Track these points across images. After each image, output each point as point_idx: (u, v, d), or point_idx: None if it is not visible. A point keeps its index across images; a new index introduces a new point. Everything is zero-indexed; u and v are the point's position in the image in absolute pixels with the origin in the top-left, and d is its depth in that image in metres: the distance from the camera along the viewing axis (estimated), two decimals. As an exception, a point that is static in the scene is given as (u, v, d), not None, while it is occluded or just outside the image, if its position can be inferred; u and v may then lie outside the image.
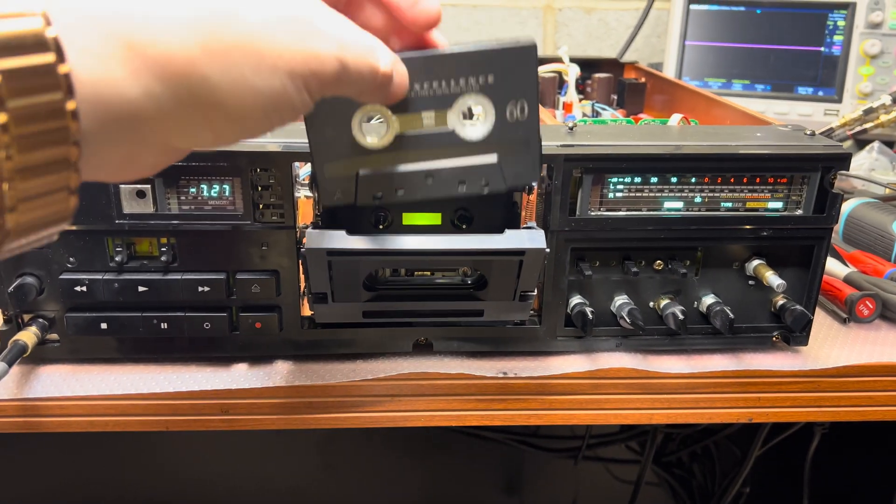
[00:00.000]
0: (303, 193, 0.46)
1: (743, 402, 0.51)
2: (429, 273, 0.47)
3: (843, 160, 0.46)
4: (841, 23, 0.96)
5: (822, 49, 0.97)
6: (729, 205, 0.47)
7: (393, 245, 0.41)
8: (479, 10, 1.15)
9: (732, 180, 0.47)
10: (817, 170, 0.46)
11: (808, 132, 0.49)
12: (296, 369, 0.48)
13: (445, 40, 0.37)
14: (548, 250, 0.43)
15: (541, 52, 1.20)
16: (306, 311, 0.49)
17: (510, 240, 0.42)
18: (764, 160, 0.46)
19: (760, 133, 0.49)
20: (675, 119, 0.60)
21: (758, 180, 0.47)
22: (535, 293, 0.46)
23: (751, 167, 0.46)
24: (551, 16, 1.17)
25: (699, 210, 0.47)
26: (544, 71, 0.81)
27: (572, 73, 0.79)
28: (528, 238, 0.42)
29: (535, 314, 0.50)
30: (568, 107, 0.77)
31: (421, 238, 0.42)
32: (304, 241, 0.41)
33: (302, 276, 0.48)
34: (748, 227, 0.47)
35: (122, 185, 0.43)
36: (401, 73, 0.34)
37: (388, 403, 0.49)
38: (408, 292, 0.46)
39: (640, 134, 0.48)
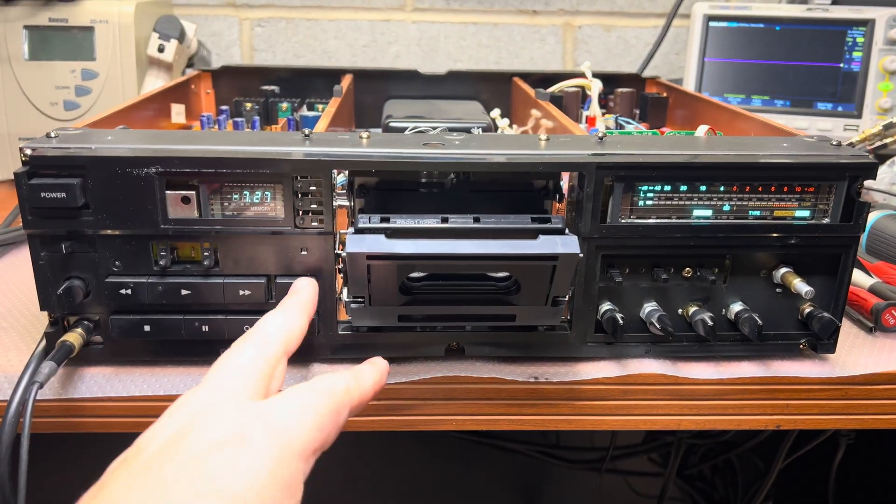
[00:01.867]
0: (338, 202, 0.48)
1: (771, 408, 0.51)
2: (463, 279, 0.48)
3: (870, 169, 0.47)
4: (860, 39, 0.97)
5: (842, 65, 0.98)
6: (757, 213, 0.48)
7: (431, 249, 0.43)
8: (499, 27, 1.17)
9: (760, 189, 0.48)
10: (844, 179, 0.47)
11: (835, 142, 0.50)
12: (331, 372, 0.49)
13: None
14: (581, 255, 0.44)
15: (560, 69, 1.22)
16: (342, 315, 0.51)
17: (544, 245, 0.43)
18: (791, 169, 0.47)
19: (787, 143, 0.50)
20: (701, 130, 0.61)
21: (785, 189, 0.48)
22: (567, 298, 0.47)
23: (778, 176, 0.47)
24: (570, 33, 1.18)
25: (727, 218, 0.48)
26: (568, 85, 0.83)
27: (595, 88, 0.80)
28: (562, 243, 0.43)
29: (565, 320, 0.51)
30: (591, 121, 0.79)
31: (458, 242, 0.43)
32: (343, 245, 0.42)
33: (339, 280, 0.49)
34: (776, 235, 0.48)
35: (168, 192, 0.45)
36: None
37: (419, 407, 0.50)
38: (442, 297, 0.47)
39: (668, 144, 0.49)
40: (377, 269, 0.43)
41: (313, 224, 0.46)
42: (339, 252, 0.47)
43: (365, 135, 0.49)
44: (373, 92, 0.91)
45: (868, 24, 0.96)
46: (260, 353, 0.37)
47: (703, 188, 0.47)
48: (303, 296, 0.44)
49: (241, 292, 0.47)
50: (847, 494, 0.82)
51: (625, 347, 0.51)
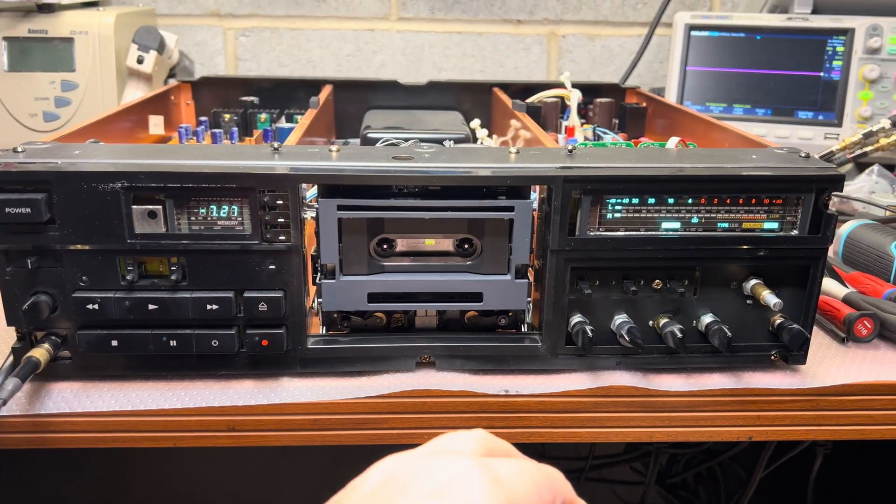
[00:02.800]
0: (309, 214, 0.48)
1: (743, 420, 0.51)
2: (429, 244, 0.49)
3: (837, 181, 0.47)
4: (840, 48, 0.97)
5: (822, 74, 0.98)
6: (725, 225, 0.48)
7: (397, 203, 0.46)
8: (483, 37, 1.18)
9: (729, 201, 0.48)
10: (811, 191, 0.47)
11: (803, 154, 0.50)
12: (301, 386, 0.49)
13: None
14: (535, 206, 0.47)
15: (544, 78, 1.23)
16: (313, 328, 0.51)
17: (501, 201, 0.47)
18: (759, 181, 0.47)
19: (756, 155, 0.50)
20: (672, 142, 0.61)
21: (753, 201, 0.48)
22: (530, 278, 0.49)
23: (746, 188, 0.47)
24: (555, 42, 1.19)
25: (696, 230, 0.48)
26: (547, 96, 0.83)
27: (574, 98, 0.80)
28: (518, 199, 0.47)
29: (536, 332, 0.51)
30: (570, 131, 0.79)
31: (423, 201, 0.46)
32: (315, 203, 0.46)
33: (311, 291, 0.49)
34: (745, 247, 0.48)
35: (134, 206, 0.45)
36: None
37: (391, 421, 0.49)
38: (410, 270, 0.49)
39: (637, 156, 0.50)
40: (348, 224, 0.46)
41: (280, 238, 0.46)
42: (306, 215, 0.47)
43: (335, 148, 0.49)
44: (354, 102, 0.91)
45: (848, 33, 0.97)
46: (481, 437, 0.34)
47: (671, 201, 0.47)
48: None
49: (209, 307, 0.46)
50: (825, 501, 0.82)
51: (596, 359, 0.51)
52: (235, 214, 0.46)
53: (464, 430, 0.34)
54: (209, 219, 0.46)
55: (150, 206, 0.45)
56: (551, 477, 0.33)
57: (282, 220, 0.45)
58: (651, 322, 0.51)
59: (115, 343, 0.47)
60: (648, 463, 0.90)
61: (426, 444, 0.33)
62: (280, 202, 0.45)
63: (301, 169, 0.45)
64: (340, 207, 0.46)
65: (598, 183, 0.46)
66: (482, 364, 0.51)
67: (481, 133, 0.80)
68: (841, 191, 0.48)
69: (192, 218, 0.46)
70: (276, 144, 0.48)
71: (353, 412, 0.49)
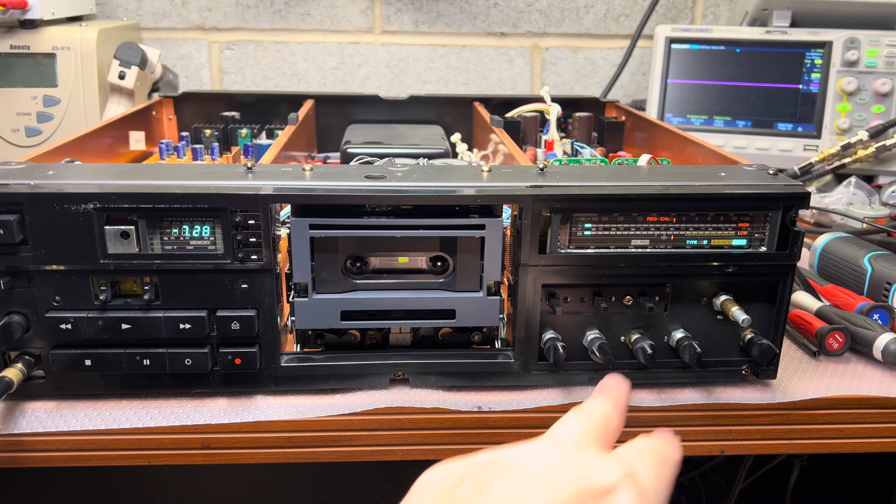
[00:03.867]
0: (283, 232, 0.48)
1: (714, 434, 0.52)
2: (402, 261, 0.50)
3: (803, 199, 0.48)
4: (818, 61, 0.98)
5: (801, 87, 1.00)
6: (694, 242, 0.49)
7: (370, 221, 0.46)
8: (467, 49, 1.18)
9: (697, 219, 0.48)
10: (778, 208, 0.48)
11: (772, 171, 0.51)
12: (275, 404, 0.49)
13: None
14: (507, 225, 0.48)
15: (528, 90, 1.24)
16: (286, 346, 0.51)
17: (473, 219, 0.47)
18: (726, 199, 0.47)
19: (724, 173, 0.51)
20: (643, 159, 0.62)
21: (722, 219, 0.48)
22: (502, 296, 0.50)
23: (714, 206, 0.48)
24: (538, 55, 1.20)
25: (666, 247, 0.49)
26: (527, 110, 0.84)
27: (553, 112, 0.81)
28: (490, 217, 0.47)
29: (509, 348, 0.51)
30: (550, 145, 0.80)
31: (396, 220, 0.47)
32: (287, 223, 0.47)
33: (286, 309, 0.50)
34: (714, 263, 0.49)
35: (106, 227, 0.45)
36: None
37: (365, 438, 0.50)
38: (383, 286, 0.49)
39: (608, 174, 0.50)
40: (320, 243, 0.46)
41: (253, 258, 0.46)
42: (279, 233, 0.48)
43: (308, 167, 0.49)
44: (337, 116, 0.92)
45: (825, 46, 0.98)
46: (606, 409, 0.36)
47: (640, 218, 0.48)
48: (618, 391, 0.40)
49: (182, 326, 0.47)
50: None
51: (568, 375, 0.51)
52: (208, 234, 0.46)
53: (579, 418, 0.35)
54: (182, 239, 0.46)
55: (123, 227, 0.45)
56: (674, 467, 0.34)
57: (254, 239, 0.46)
58: (623, 338, 0.51)
59: (88, 362, 0.47)
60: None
61: (554, 446, 0.33)
62: (252, 222, 0.45)
63: (273, 189, 0.45)
64: (313, 227, 0.46)
65: (568, 202, 0.47)
66: (456, 380, 0.51)
67: (461, 147, 0.81)
68: (808, 207, 0.48)
69: (165, 238, 0.46)
70: (249, 164, 0.49)
71: (327, 429, 0.49)
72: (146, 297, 0.46)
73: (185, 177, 0.46)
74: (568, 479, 0.30)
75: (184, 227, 0.46)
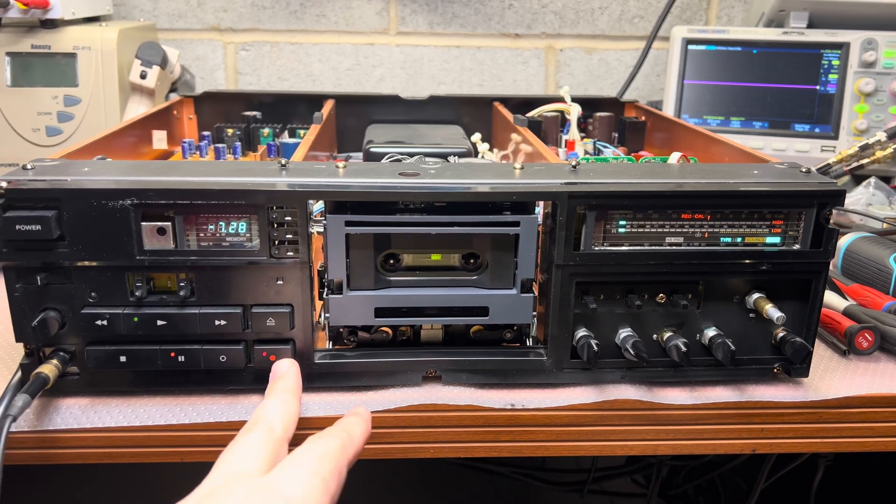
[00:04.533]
0: (316, 230, 0.48)
1: (746, 433, 0.51)
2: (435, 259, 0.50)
3: (838, 196, 0.48)
4: (835, 62, 0.99)
5: (818, 87, 1.00)
6: (728, 240, 0.49)
7: (404, 218, 0.47)
8: (482, 51, 1.19)
9: (731, 216, 0.48)
10: (813, 206, 0.48)
11: (804, 169, 0.51)
12: (308, 400, 0.49)
13: None
14: (540, 220, 0.48)
15: (542, 92, 1.24)
16: (320, 343, 0.51)
17: (507, 216, 0.47)
18: (761, 197, 0.47)
19: (757, 171, 0.51)
20: (674, 157, 0.62)
21: (756, 216, 0.48)
22: (535, 292, 0.50)
23: (748, 203, 0.48)
24: (553, 56, 1.20)
25: (699, 245, 0.49)
26: (547, 110, 0.84)
27: (574, 112, 0.81)
28: (524, 214, 0.48)
29: (541, 346, 0.51)
30: (570, 145, 0.80)
31: (430, 217, 0.47)
32: (320, 217, 0.47)
33: (317, 308, 0.50)
34: (747, 261, 0.49)
35: (143, 223, 0.45)
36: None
37: (398, 435, 0.50)
38: (416, 283, 0.49)
39: (641, 172, 0.50)
40: (355, 240, 0.47)
41: (289, 254, 0.46)
42: (313, 230, 0.48)
43: (342, 164, 0.49)
44: (355, 116, 0.92)
45: (843, 47, 0.98)
46: (265, 438, 0.39)
47: (674, 216, 0.48)
48: (290, 381, 0.45)
49: (217, 322, 0.47)
50: (828, 515, 0.83)
51: (601, 373, 0.51)
52: (244, 230, 0.46)
53: (249, 436, 0.39)
54: (218, 235, 0.46)
55: (160, 223, 0.45)
56: (334, 463, 0.38)
57: (290, 235, 0.46)
58: (655, 336, 0.51)
59: (123, 359, 0.47)
60: (650, 475, 0.90)
61: (215, 468, 0.37)
62: (288, 218, 0.46)
63: (309, 185, 0.45)
64: (348, 223, 0.46)
65: (603, 199, 0.47)
66: (488, 378, 0.51)
67: (482, 147, 0.81)
68: (842, 206, 0.48)
69: (201, 234, 0.46)
70: (282, 161, 0.49)
71: (360, 427, 0.49)
72: (181, 293, 0.46)
73: (219, 173, 0.46)
74: None
75: (220, 223, 0.46)
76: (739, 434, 0.52)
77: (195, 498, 0.35)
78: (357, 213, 0.47)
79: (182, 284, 0.46)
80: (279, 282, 0.47)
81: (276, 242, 0.46)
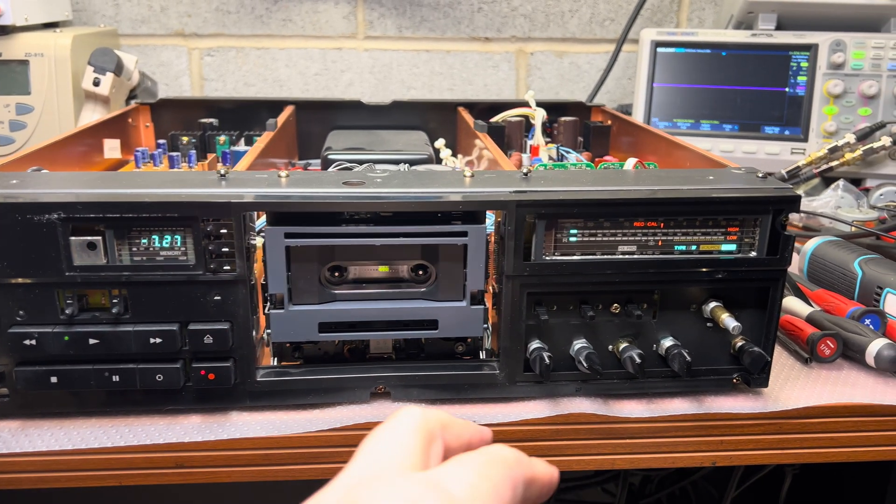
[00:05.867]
0: (259, 242, 0.46)
1: (705, 445, 0.50)
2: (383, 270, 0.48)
3: (793, 202, 0.46)
4: (804, 64, 0.98)
5: (787, 90, 0.99)
6: (683, 248, 0.47)
7: (348, 229, 0.45)
8: (452, 55, 1.17)
9: (685, 224, 0.47)
10: (768, 212, 0.47)
11: (761, 175, 0.50)
12: (251, 420, 0.47)
13: None
14: (490, 231, 0.47)
15: (513, 95, 1.22)
16: (263, 360, 0.49)
17: (455, 226, 0.46)
18: (714, 203, 0.46)
19: (713, 176, 0.49)
20: (630, 163, 0.60)
21: (710, 223, 0.47)
22: (486, 304, 0.48)
23: (702, 210, 0.46)
24: (523, 60, 1.19)
25: (653, 253, 0.47)
26: (511, 115, 0.82)
27: (538, 116, 0.80)
28: (472, 224, 0.46)
29: (494, 359, 0.50)
30: (535, 150, 0.78)
31: (375, 227, 0.45)
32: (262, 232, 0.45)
33: (262, 323, 0.48)
34: (703, 269, 0.48)
35: (71, 238, 0.43)
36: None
37: (345, 454, 0.48)
38: (362, 296, 0.48)
39: (593, 179, 0.49)
40: (296, 252, 0.45)
41: (226, 268, 0.44)
42: (254, 242, 0.47)
43: (284, 174, 0.47)
44: (319, 122, 0.90)
45: (811, 48, 0.97)
46: (418, 429, 0.32)
47: (627, 224, 0.47)
48: None
49: (153, 340, 0.45)
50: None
51: (555, 386, 0.50)
52: (178, 244, 0.44)
53: (396, 424, 0.32)
54: (151, 249, 0.44)
55: (89, 237, 0.43)
56: (509, 472, 0.30)
57: (227, 249, 0.44)
58: (611, 347, 0.50)
59: (54, 380, 0.45)
60: (622, 484, 0.89)
61: (359, 458, 0.30)
62: (224, 231, 0.44)
63: (246, 196, 0.44)
64: (288, 235, 0.44)
65: (552, 207, 0.45)
66: (439, 393, 0.49)
67: (445, 153, 0.79)
68: (798, 211, 0.47)
69: (134, 248, 0.44)
70: (222, 170, 0.47)
71: (305, 446, 0.47)
72: (115, 310, 0.44)
73: (154, 185, 0.45)
74: None
75: (153, 237, 0.44)
76: (698, 446, 0.50)
77: (341, 487, 0.29)
78: (299, 225, 0.45)
79: (115, 301, 0.45)
80: (217, 297, 0.45)
81: (213, 256, 0.44)
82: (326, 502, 0.28)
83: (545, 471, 0.33)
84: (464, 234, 0.46)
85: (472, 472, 0.29)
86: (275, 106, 0.87)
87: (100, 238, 0.43)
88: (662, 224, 0.47)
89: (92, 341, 0.45)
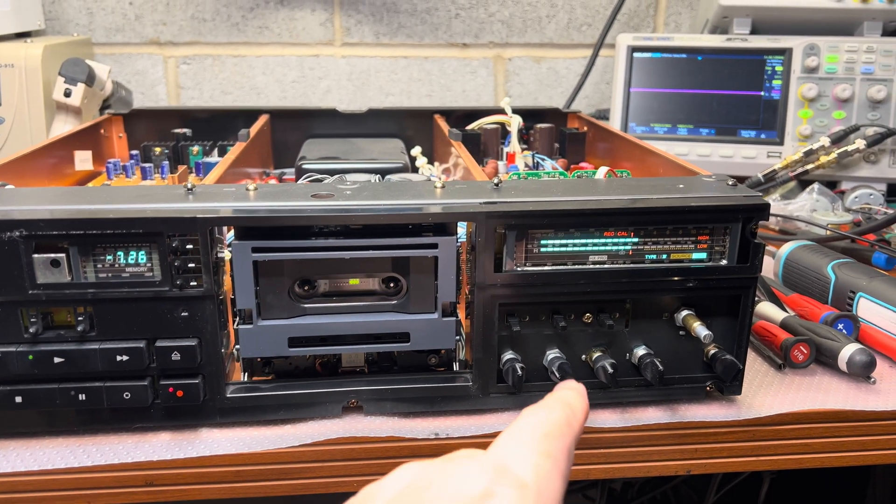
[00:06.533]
0: (228, 256, 0.46)
1: (680, 454, 0.50)
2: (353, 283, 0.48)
3: (762, 210, 0.47)
4: (779, 68, 0.99)
5: (762, 93, 0.99)
6: (653, 257, 0.47)
7: (316, 243, 0.44)
8: (430, 61, 1.17)
9: (656, 233, 0.47)
10: (738, 220, 0.47)
11: (731, 182, 0.50)
12: (221, 437, 0.47)
13: None
14: (460, 242, 0.46)
15: (492, 101, 1.22)
16: (233, 375, 0.49)
17: (425, 238, 0.45)
18: (683, 212, 0.46)
19: (683, 185, 0.49)
20: (601, 172, 0.60)
21: (680, 232, 0.47)
22: (459, 316, 0.48)
23: (672, 220, 0.46)
24: (501, 65, 1.19)
25: (624, 263, 0.47)
26: (487, 122, 0.82)
27: (514, 124, 0.79)
28: (443, 235, 0.46)
29: (467, 371, 0.49)
30: (511, 157, 0.78)
31: (345, 241, 0.44)
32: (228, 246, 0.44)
33: (232, 337, 0.47)
34: (674, 278, 0.48)
35: (35, 255, 0.42)
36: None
37: (318, 469, 0.48)
38: (333, 310, 0.47)
39: (564, 188, 0.49)
40: (264, 267, 0.44)
41: (192, 284, 0.44)
42: (222, 255, 0.46)
43: (252, 186, 0.47)
44: (295, 130, 0.89)
45: (786, 52, 0.98)
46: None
47: (597, 234, 0.46)
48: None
49: (119, 358, 0.44)
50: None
51: (528, 397, 0.49)
52: (144, 261, 0.43)
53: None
54: (116, 266, 0.43)
55: (53, 255, 0.43)
56: (566, 442, 0.32)
57: (193, 265, 0.43)
58: (584, 356, 0.50)
59: (19, 399, 0.44)
60: (602, 489, 0.89)
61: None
62: (191, 247, 0.43)
63: (211, 211, 0.43)
64: (255, 250, 0.44)
65: (522, 218, 0.45)
66: (412, 406, 0.49)
67: (421, 161, 0.79)
68: (767, 219, 0.47)
69: (99, 265, 0.43)
70: (189, 184, 0.47)
71: (276, 462, 0.47)
72: (80, 328, 0.44)
73: (119, 200, 0.44)
74: (432, 499, 0.28)
75: (118, 253, 0.43)
76: (673, 455, 0.50)
77: (413, 470, 0.30)
78: (267, 239, 0.44)
79: (80, 319, 0.44)
80: (184, 313, 0.44)
81: (179, 272, 0.44)
82: (402, 478, 0.29)
83: (584, 410, 0.35)
84: (434, 245, 0.46)
85: (534, 452, 0.30)
86: (250, 115, 0.86)
87: (63, 255, 0.43)
88: (633, 233, 0.47)
89: (57, 360, 0.44)
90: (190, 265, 0.43)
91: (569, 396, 0.36)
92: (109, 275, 0.44)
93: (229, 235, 0.49)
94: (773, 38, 0.99)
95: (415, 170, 0.77)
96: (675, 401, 0.51)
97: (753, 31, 1.02)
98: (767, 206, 0.47)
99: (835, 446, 0.51)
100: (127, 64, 1.13)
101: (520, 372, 0.47)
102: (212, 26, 1.12)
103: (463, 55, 1.18)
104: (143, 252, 0.43)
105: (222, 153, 0.78)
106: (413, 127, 0.92)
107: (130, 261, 0.43)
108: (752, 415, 0.50)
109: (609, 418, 0.49)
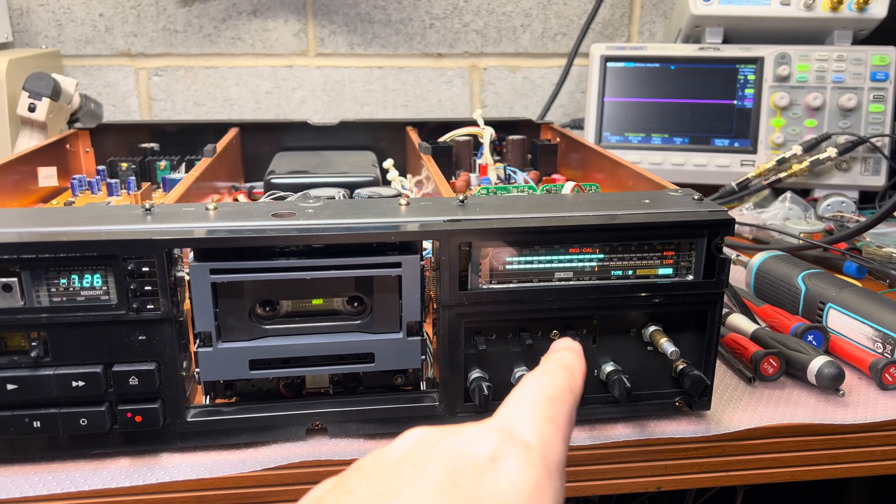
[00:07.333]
0: (188, 277, 0.45)
1: (649, 470, 0.50)
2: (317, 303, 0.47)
3: (727, 225, 0.46)
4: (751, 77, 0.99)
5: (735, 102, 1.00)
6: (619, 273, 0.47)
7: (277, 263, 0.43)
8: (405, 71, 1.17)
9: (621, 249, 0.47)
10: (703, 235, 0.47)
11: (696, 197, 0.50)
12: (182, 462, 0.46)
13: None
14: (423, 262, 0.46)
15: (467, 111, 1.22)
16: (195, 398, 0.48)
17: (388, 257, 0.45)
18: (648, 228, 0.46)
19: (649, 199, 0.49)
20: (568, 187, 0.60)
21: (646, 248, 0.47)
22: (425, 335, 0.47)
23: (636, 235, 0.46)
24: (476, 75, 1.18)
25: (590, 279, 0.47)
26: (459, 134, 0.82)
27: (487, 135, 0.79)
28: (407, 254, 0.45)
29: (434, 390, 0.49)
30: (483, 169, 0.78)
31: (306, 261, 0.44)
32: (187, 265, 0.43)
33: (193, 362, 0.46)
34: (641, 294, 0.47)
35: (-15, 280, 0.41)
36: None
37: (282, 493, 0.47)
38: (295, 331, 0.46)
39: (530, 205, 0.48)
40: (224, 289, 0.43)
41: (149, 307, 0.43)
42: (181, 274, 0.45)
43: (213, 206, 0.46)
44: (267, 143, 0.89)
45: (758, 61, 0.98)
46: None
47: (562, 251, 0.46)
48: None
49: (75, 383, 0.43)
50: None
51: (496, 416, 0.49)
52: (99, 284, 0.43)
53: None
54: (71, 290, 0.42)
55: (4, 279, 0.41)
56: (564, 402, 0.32)
57: (150, 287, 0.43)
58: (552, 374, 0.49)
59: (-30, 427, 0.43)
60: (580, 501, 0.88)
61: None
62: (147, 269, 0.42)
63: (169, 233, 0.42)
64: (214, 271, 0.43)
65: (486, 236, 0.45)
66: (378, 427, 0.48)
67: (392, 174, 0.78)
68: (732, 234, 0.47)
69: (53, 289, 0.42)
70: (148, 204, 0.46)
71: (239, 486, 0.46)
72: (34, 353, 0.43)
73: (74, 222, 0.43)
74: (438, 461, 0.28)
75: (73, 276, 0.42)
76: (642, 472, 0.50)
77: (420, 431, 0.30)
78: (226, 260, 0.44)
79: (34, 344, 0.43)
80: (141, 337, 0.43)
81: (136, 295, 0.43)
82: (410, 437, 0.30)
83: (582, 372, 0.35)
84: (398, 265, 0.45)
85: (538, 417, 0.31)
86: (220, 128, 0.85)
87: (15, 280, 0.42)
88: (599, 250, 0.46)
89: (10, 386, 0.43)
90: (147, 288, 0.43)
91: (567, 359, 0.36)
92: (64, 298, 0.43)
93: (192, 255, 0.48)
94: (744, 48, 0.99)
95: (386, 183, 0.77)
96: (644, 417, 0.51)
97: (725, 41, 1.02)
98: (732, 220, 0.46)
99: (804, 460, 0.51)
100: (98, 76, 1.12)
101: (486, 391, 0.46)
102: (184, 37, 1.11)
103: (438, 65, 1.17)
104: (98, 275, 0.42)
105: (190, 168, 0.77)
106: (386, 139, 0.91)
107: (85, 284, 0.42)
108: (720, 430, 0.49)
109: (577, 436, 0.49)
